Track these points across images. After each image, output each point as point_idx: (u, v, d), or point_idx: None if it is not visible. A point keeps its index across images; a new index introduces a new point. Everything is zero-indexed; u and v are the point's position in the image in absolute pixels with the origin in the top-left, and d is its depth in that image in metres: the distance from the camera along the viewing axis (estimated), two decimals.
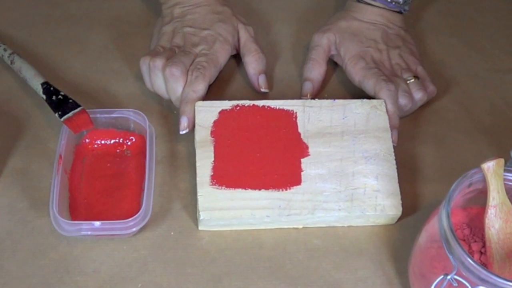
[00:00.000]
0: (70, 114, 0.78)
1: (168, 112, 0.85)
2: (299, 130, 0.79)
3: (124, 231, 0.72)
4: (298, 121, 0.79)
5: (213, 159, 0.76)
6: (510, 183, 0.67)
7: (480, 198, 0.68)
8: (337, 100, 0.81)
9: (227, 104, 0.80)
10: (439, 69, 0.93)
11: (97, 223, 0.71)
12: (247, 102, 0.80)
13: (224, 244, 0.75)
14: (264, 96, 0.87)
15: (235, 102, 0.80)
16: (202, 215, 0.73)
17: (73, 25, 0.95)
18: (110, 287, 0.71)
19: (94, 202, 0.76)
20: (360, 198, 0.75)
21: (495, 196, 0.66)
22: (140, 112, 0.80)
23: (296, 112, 0.80)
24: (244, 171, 0.76)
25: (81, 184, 0.77)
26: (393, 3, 0.89)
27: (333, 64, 0.92)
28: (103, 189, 0.77)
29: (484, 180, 0.66)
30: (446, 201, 0.63)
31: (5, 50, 0.88)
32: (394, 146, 0.79)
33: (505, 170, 0.66)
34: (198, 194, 0.74)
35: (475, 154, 0.84)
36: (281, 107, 0.80)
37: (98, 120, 0.80)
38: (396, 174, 0.77)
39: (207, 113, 0.79)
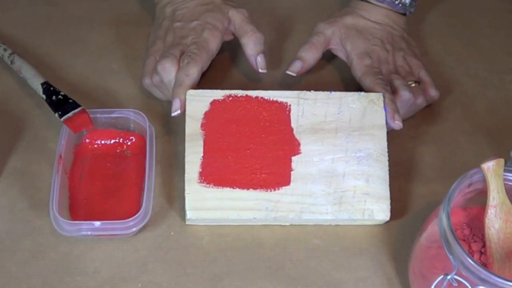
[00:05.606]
0: (70, 114, 0.78)
1: (168, 112, 0.85)
2: (292, 125, 0.77)
3: (124, 231, 0.72)
4: (291, 115, 0.77)
5: (202, 155, 0.75)
6: (510, 183, 0.67)
7: (480, 198, 0.68)
8: (333, 92, 0.79)
9: (219, 94, 0.78)
10: (439, 69, 0.93)
11: (97, 223, 0.71)
12: (240, 92, 0.78)
13: (224, 244, 0.75)
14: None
15: (227, 92, 0.78)
16: (189, 214, 0.73)
17: (73, 25, 0.95)
18: (110, 287, 0.71)
19: (94, 202, 0.76)
20: (348, 201, 0.75)
21: (495, 196, 0.66)
22: (140, 112, 0.80)
23: (290, 105, 0.78)
24: (233, 169, 0.75)
25: (81, 184, 0.77)
26: (400, 5, 0.89)
27: (334, 63, 0.92)
28: (103, 189, 0.77)
29: (484, 180, 0.66)
30: (446, 201, 0.63)
31: (5, 50, 0.88)
32: (398, 127, 0.78)
33: (505, 170, 0.66)
34: (186, 192, 0.74)
35: (475, 154, 0.84)
36: (275, 99, 0.78)
37: (98, 120, 0.80)
38: (388, 176, 0.76)
39: (198, 103, 0.77)
